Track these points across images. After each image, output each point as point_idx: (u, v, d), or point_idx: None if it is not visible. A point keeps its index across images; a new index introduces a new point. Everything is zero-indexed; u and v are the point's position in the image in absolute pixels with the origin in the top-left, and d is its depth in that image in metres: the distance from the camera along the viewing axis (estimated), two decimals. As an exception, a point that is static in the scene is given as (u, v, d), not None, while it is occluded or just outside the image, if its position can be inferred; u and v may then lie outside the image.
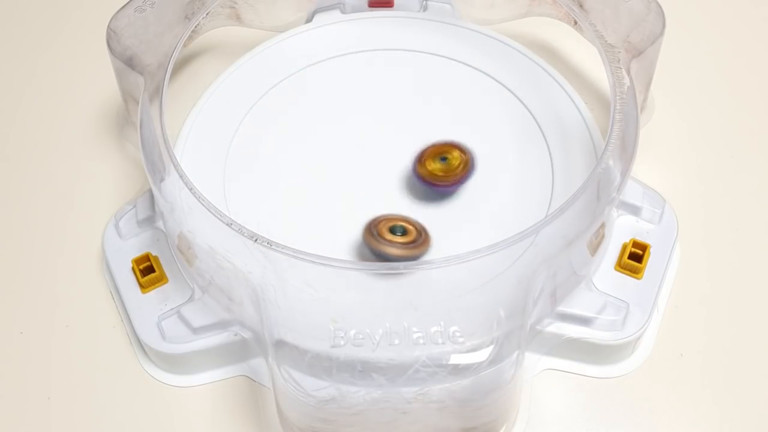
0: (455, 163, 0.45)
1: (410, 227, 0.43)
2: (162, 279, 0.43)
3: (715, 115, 0.52)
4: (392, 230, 0.42)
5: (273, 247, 0.38)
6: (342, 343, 0.38)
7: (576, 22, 0.49)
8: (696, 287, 0.45)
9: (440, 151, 0.45)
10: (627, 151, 0.41)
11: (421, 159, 0.45)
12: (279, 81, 0.50)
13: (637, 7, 0.46)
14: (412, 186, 0.45)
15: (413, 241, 0.42)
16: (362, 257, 0.43)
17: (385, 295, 0.39)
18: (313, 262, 0.38)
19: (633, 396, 0.43)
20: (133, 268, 0.44)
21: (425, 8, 0.53)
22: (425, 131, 0.47)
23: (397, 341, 0.38)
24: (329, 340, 0.38)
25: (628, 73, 0.44)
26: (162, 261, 0.44)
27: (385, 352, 0.37)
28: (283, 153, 0.47)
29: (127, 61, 0.45)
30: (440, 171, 0.45)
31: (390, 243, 0.42)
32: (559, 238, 0.40)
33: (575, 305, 0.42)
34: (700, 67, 0.54)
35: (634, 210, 0.45)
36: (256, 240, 0.38)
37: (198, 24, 0.49)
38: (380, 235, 0.42)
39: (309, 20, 0.53)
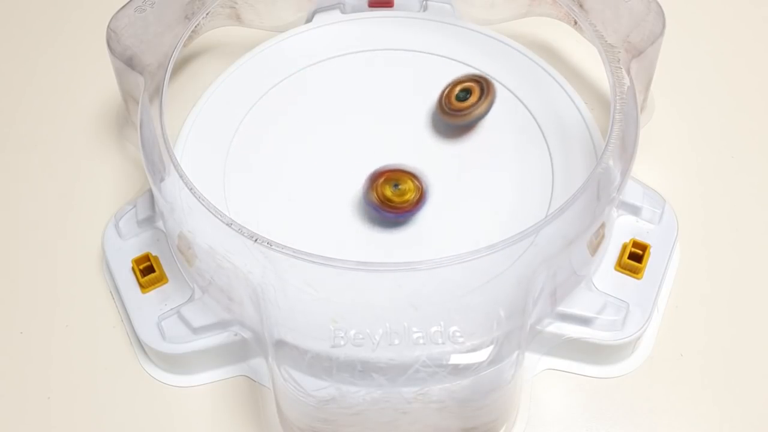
0: (408, 191, 0.44)
1: (468, 85, 0.46)
2: (162, 279, 0.43)
3: (715, 115, 0.52)
4: (459, 98, 0.46)
5: (273, 247, 0.38)
6: (342, 343, 0.38)
7: (576, 22, 0.49)
8: (696, 287, 0.45)
9: (393, 177, 0.44)
10: (627, 151, 0.41)
11: (373, 183, 0.44)
12: (279, 81, 0.50)
13: (637, 7, 0.46)
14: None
15: (482, 94, 0.46)
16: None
17: (385, 295, 0.39)
18: (313, 262, 0.38)
19: (633, 396, 0.43)
20: (133, 268, 0.44)
21: (425, 8, 0.53)
22: (425, 131, 0.47)
23: (397, 341, 0.38)
24: (329, 340, 0.38)
25: (628, 73, 0.44)
26: (162, 261, 0.44)
27: (385, 352, 0.37)
28: (283, 153, 0.47)
29: (127, 61, 0.45)
30: (394, 197, 0.44)
31: (471, 107, 0.45)
32: (559, 238, 0.40)
33: (575, 305, 0.42)
34: (700, 67, 0.54)
35: (634, 210, 0.45)
36: (256, 240, 0.38)
37: (198, 24, 0.49)
38: (458, 108, 0.45)
39: (309, 20, 0.53)
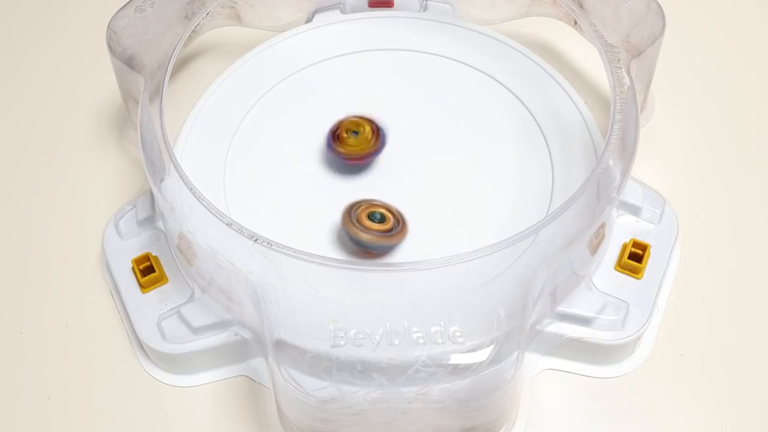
0: (367, 136, 0.45)
1: (389, 215, 0.43)
2: (162, 279, 0.43)
3: (715, 115, 0.52)
4: (371, 216, 0.43)
5: (273, 247, 0.38)
6: (342, 343, 0.38)
7: (576, 22, 0.49)
8: (696, 287, 0.45)
9: (351, 126, 0.45)
10: (627, 151, 0.41)
11: (335, 136, 0.45)
12: (279, 81, 0.50)
13: (637, 7, 0.46)
14: (412, 185, 0.45)
15: (389, 230, 0.42)
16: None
17: (385, 295, 0.39)
18: (313, 262, 0.38)
19: (633, 396, 0.43)
20: (133, 268, 0.44)
21: (425, 8, 0.53)
22: (425, 131, 0.47)
23: (397, 341, 0.38)
24: (329, 340, 0.38)
25: (628, 73, 0.44)
26: (162, 261, 0.44)
27: (385, 352, 0.37)
28: (283, 153, 0.47)
29: (127, 61, 0.45)
30: (354, 144, 0.45)
31: (366, 229, 0.42)
32: (559, 238, 0.40)
33: (575, 305, 0.42)
34: (700, 67, 0.54)
35: (634, 210, 0.45)
36: (256, 240, 0.38)
37: (198, 24, 0.49)
38: (358, 221, 0.42)
39: (309, 20, 0.53)
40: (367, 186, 0.46)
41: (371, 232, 0.42)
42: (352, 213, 0.43)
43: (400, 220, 0.43)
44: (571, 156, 0.46)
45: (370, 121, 0.45)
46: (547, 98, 0.48)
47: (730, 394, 0.43)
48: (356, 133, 0.45)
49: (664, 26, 0.45)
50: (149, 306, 0.43)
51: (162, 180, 0.42)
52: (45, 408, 0.42)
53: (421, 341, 0.38)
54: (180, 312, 0.42)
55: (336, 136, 0.45)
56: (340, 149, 0.45)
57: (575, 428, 0.42)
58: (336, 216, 0.44)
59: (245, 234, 0.38)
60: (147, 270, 0.44)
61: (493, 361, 0.37)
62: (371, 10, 0.53)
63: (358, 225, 0.42)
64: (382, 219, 0.43)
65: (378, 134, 0.45)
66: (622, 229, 0.45)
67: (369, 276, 0.38)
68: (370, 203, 0.43)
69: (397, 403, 0.38)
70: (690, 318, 0.44)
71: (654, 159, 0.49)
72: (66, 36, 0.56)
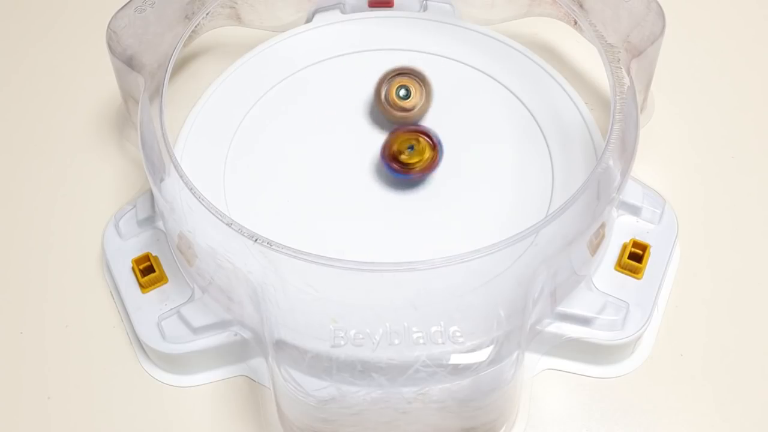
0: (424, 150, 0.45)
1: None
2: (162, 279, 0.43)
3: (715, 115, 0.52)
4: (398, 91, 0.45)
5: (273, 247, 0.38)
6: (342, 343, 0.38)
7: (576, 22, 0.49)
8: (696, 287, 0.45)
9: (408, 139, 0.45)
10: (627, 151, 0.41)
11: (390, 149, 0.45)
12: (279, 81, 0.50)
13: (637, 7, 0.46)
14: (412, 185, 0.45)
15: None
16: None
17: (385, 295, 0.39)
18: (313, 262, 0.38)
19: (633, 396, 0.43)
20: (133, 268, 0.44)
21: (425, 8, 0.53)
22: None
23: (397, 341, 0.38)
24: (329, 340, 0.38)
25: (628, 73, 0.44)
26: (162, 261, 0.44)
27: (385, 352, 0.37)
28: (283, 153, 0.47)
29: (127, 61, 0.45)
30: (409, 159, 0.44)
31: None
32: (559, 238, 0.40)
33: (575, 305, 0.42)
34: (700, 67, 0.54)
35: (634, 210, 0.45)
36: (256, 240, 0.38)
37: (198, 24, 0.49)
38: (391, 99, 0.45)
39: (309, 20, 0.53)
40: (366, 184, 0.46)
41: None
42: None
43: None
44: (571, 156, 0.46)
45: (427, 135, 0.45)
46: (547, 98, 0.48)
47: (730, 394, 0.43)
48: (412, 147, 0.44)
49: (664, 26, 0.45)
50: (149, 306, 0.43)
51: (162, 180, 0.42)
52: (45, 408, 0.42)
53: (421, 341, 0.38)
54: (180, 312, 0.42)
55: (392, 152, 0.45)
56: (397, 165, 0.44)
57: (575, 428, 0.42)
58: (336, 215, 0.45)
59: (245, 234, 0.38)
60: (147, 270, 0.44)
61: (493, 361, 0.37)
62: (371, 10, 0.53)
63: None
64: (407, 95, 0.45)
65: (435, 148, 0.45)
66: (622, 229, 0.45)
67: (369, 276, 0.38)
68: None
69: (397, 403, 0.38)
70: (690, 318, 0.44)
71: (654, 159, 0.49)
72: (66, 36, 0.56)
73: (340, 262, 0.38)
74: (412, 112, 0.46)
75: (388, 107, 0.46)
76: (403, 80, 0.46)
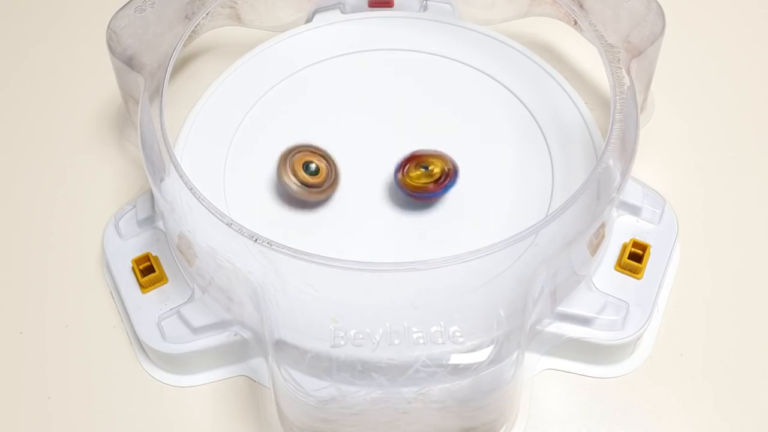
0: (437, 171, 0.44)
1: (323, 167, 0.43)
2: (162, 279, 0.43)
3: (715, 115, 0.52)
4: (305, 166, 0.43)
5: (273, 247, 0.38)
6: (342, 343, 0.38)
7: (576, 22, 0.49)
8: (696, 287, 0.45)
9: (422, 161, 0.44)
10: (627, 151, 0.41)
11: (403, 168, 0.44)
12: (279, 81, 0.50)
13: (637, 7, 0.46)
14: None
15: (319, 185, 0.43)
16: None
17: (385, 295, 0.39)
18: (313, 262, 0.38)
19: (633, 396, 0.43)
20: (133, 268, 0.44)
21: (425, 8, 0.53)
22: (425, 131, 0.47)
23: (397, 341, 0.38)
24: (329, 340, 0.38)
25: (628, 73, 0.44)
26: (162, 261, 0.44)
27: (385, 352, 0.37)
28: (283, 153, 0.47)
29: (127, 61, 0.45)
30: (422, 179, 0.44)
31: (293, 179, 0.43)
32: (559, 238, 0.40)
33: (575, 305, 0.42)
34: (700, 67, 0.54)
35: (634, 210, 0.45)
36: (256, 240, 0.38)
37: (198, 24, 0.49)
38: (292, 169, 0.43)
39: (309, 20, 0.53)
40: (367, 185, 0.46)
41: (299, 184, 0.43)
42: (288, 158, 0.43)
43: (332, 173, 0.43)
44: (571, 156, 0.46)
45: (443, 160, 0.44)
46: (547, 98, 0.48)
47: (730, 394, 0.43)
48: (426, 168, 0.44)
49: (664, 26, 0.45)
50: (149, 306, 0.43)
51: (162, 180, 0.42)
52: (45, 408, 0.42)
53: (421, 341, 0.38)
54: (180, 312, 0.42)
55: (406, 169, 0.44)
56: (406, 183, 0.44)
57: (575, 428, 0.42)
58: (335, 215, 0.45)
59: (245, 234, 0.38)
60: (147, 270, 0.44)
61: (493, 361, 0.37)
62: (371, 10, 0.53)
63: (289, 172, 0.43)
64: (316, 171, 0.43)
65: (448, 174, 0.44)
66: (622, 229, 0.45)
67: (369, 276, 0.38)
68: (308, 150, 0.44)
69: (397, 403, 0.38)
70: (690, 318, 0.44)
71: (654, 159, 0.49)
72: (66, 36, 0.56)
73: (340, 262, 0.38)
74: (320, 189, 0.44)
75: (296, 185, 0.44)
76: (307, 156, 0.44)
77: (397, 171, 0.44)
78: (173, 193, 0.41)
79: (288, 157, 0.44)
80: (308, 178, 0.43)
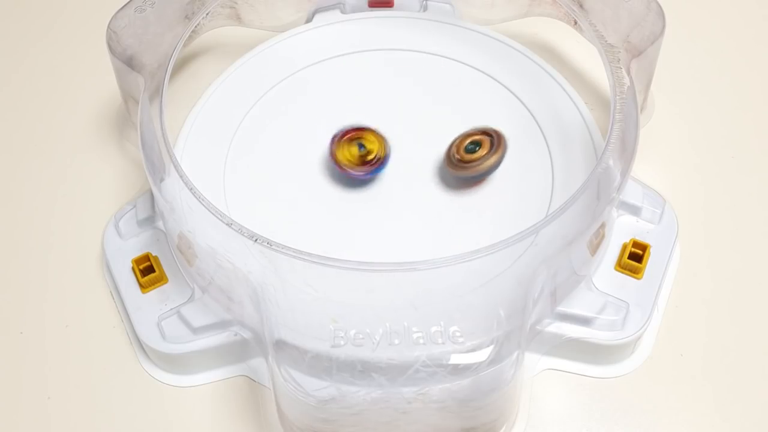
0: (372, 150, 0.45)
1: (479, 138, 0.45)
2: (162, 279, 0.43)
3: (715, 115, 0.52)
4: (468, 150, 0.44)
5: (273, 247, 0.38)
6: (342, 343, 0.38)
7: (576, 22, 0.49)
8: (696, 287, 0.45)
9: (356, 137, 0.45)
10: (627, 151, 0.41)
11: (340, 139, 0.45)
12: (279, 81, 0.50)
13: (637, 7, 0.46)
14: (411, 185, 0.45)
15: (492, 147, 0.44)
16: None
17: (385, 295, 0.39)
18: (313, 262, 0.38)
19: (633, 396, 0.43)
20: (133, 268, 0.44)
21: (425, 8, 0.53)
22: (425, 131, 0.47)
23: (397, 341, 0.38)
24: (329, 340, 0.38)
25: (628, 73, 0.44)
26: (162, 261, 0.44)
27: (385, 352, 0.37)
28: (284, 153, 0.47)
29: (127, 61, 0.45)
30: (354, 157, 0.45)
31: (480, 160, 0.44)
32: (559, 238, 0.40)
33: (575, 305, 0.42)
34: (700, 67, 0.54)
35: (634, 210, 0.45)
36: (256, 240, 0.38)
37: (198, 24, 0.49)
38: (466, 160, 0.44)
39: (309, 20, 0.53)
40: (367, 184, 0.46)
41: (486, 157, 0.44)
42: (455, 161, 0.44)
43: (486, 132, 0.45)
44: (571, 156, 0.46)
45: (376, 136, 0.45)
46: (547, 98, 0.48)
47: (730, 394, 0.43)
48: (362, 146, 0.45)
49: (664, 26, 0.45)
50: (149, 306, 0.43)
51: (162, 180, 0.42)
52: (45, 408, 0.42)
53: (421, 341, 0.38)
54: (180, 312, 0.42)
55: (337, 144, 0.45)
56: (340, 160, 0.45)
57: (575, 428, 0.42)
58: (336, 215, 0.45)
59: (245, 234, 0.38)
60: (147, 270, 0.44)
61: (493, 361, 0.37)
62: (371, 10, 0.53)
63: (473, 163, 0.44)
64: (479, 144, 0.44)
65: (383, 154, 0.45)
66: (622, 229, 0.45)
67: (369, 276, 0.38)
68: (455, 144, 0.45)
69: (397, 403, 0.38)
70: (690, 318, 0.44)
71: (654, 159, 0.49)
72: (66, 36, 0.56)
73: (340, 262, 0.38)
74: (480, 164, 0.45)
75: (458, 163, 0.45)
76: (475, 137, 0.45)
77: (332, 139, 0.45)
78: (173, 193, 0.41)
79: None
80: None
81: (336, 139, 0.45)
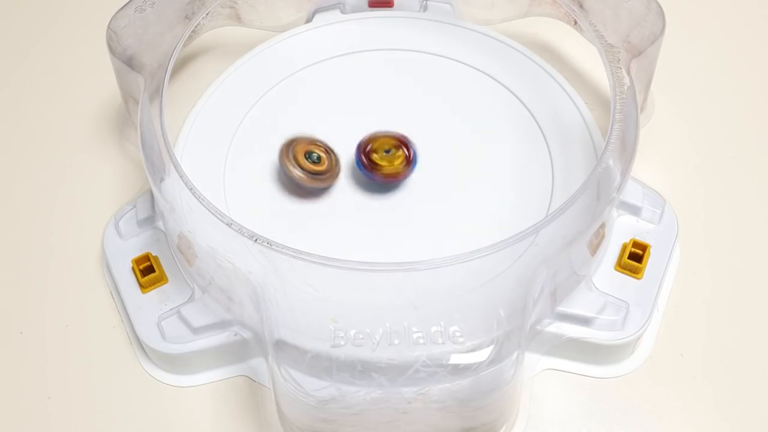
0: (397, 160, 0.45)
1: (324, 157, 0.44)
2: (162, 279, 0.43)
3: (715, 115, 0.52)
4: (308, 155, 0.44)
5: (273, 247, 0.38)
6: (342, 343, 0.38)
7: (576, 22, 0.49)
8: (696, 287, 0.45)
9: (385, 144, 0.45)
10: (627, 151, 0.41)
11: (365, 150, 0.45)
12: (279, 81, 0.50)
13: (637, 7, 0.46)
14: (411, 184, 0.45)
15: (322, 173, 0.44)
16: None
17: (385, 295, 0.39)
18: (313, 262, 0.38)
19: (633, 396, 0.43)
20: (133, 268, 0.44)
21: (425, 8, 0.53)
22: (425, 131, 0.47)
23: (397, 341, 0.38)
24: (329, 340, 0.38)
25: (628, 73, 0.44)
26: (162, 261, 0.44)
27: (385, 352, 0.37)
28: (283, 153, 0.47)
29: (127, 61, 0.45)
30: (384, 162, 0.45)
31: (296, 166, 0.43)
32: (559, 238, 0.40)
33: (575, 305, 0.42)
34: (700, 67, 0.54)
35: (634, 210, 0.45)
36: (256, 240, 0.38)
37: (198, 24, 0.49)
38: (294, 157, 0.43)
39: (309, 20, 0.53)
40: (366, 184, 0.46)
41: (303, 171, 0.43)
42: (290, 148, 0.43)
43: (335, 163, 0.44)
44: (571, 156, 0.46)
45: (403, 143, 0.45)
46: (547, 98, 0.48)
47: (730, 394, 0.43)
48: (388, 151, 0.45)
49: (664, 26, 0.45)
50: (149, 306, 0.43)
51: (162, 180, 0.42)
52: (45, 408, 0.42)
53: (421, 341, 0.38)
54: (180, 312, 0.42)
55: (368, 154, 0.45)
56: (367, 161, 0.45)
57: (575, 428, 0.42)
58: (336, 215, 0.45)
59: (245, 234, 0.38)
60: (147, 270, 0.44)
61: (493, 361, 0.37)
62: (371, 10, 0.53)
63: (292, 161, 0.43)
64: (318, 160, 0.44)
65: (408, 163, 0.45)
66: (622, 229, 0.45)
67: (369, 276, 0.38)
68: (309, 141, 0.44)
69: (397, 403, 0.38)
70: (690, 318, 0.44)
71: (654, 159, 0.49)
72: (66, 36, 0.56)
73: (340, 262, 0.38)
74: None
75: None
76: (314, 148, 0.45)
77: (359, 146, 0.45)
78: (173, 193, 0.41)
79: (290, 147, 0.44)
80: (311, 166, 0.44)
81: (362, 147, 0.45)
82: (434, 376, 0.37)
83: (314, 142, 0.45)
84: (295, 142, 0.44)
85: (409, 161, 0.45)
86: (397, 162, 0.44)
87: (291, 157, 0.44)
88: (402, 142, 0.45)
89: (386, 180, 0.45)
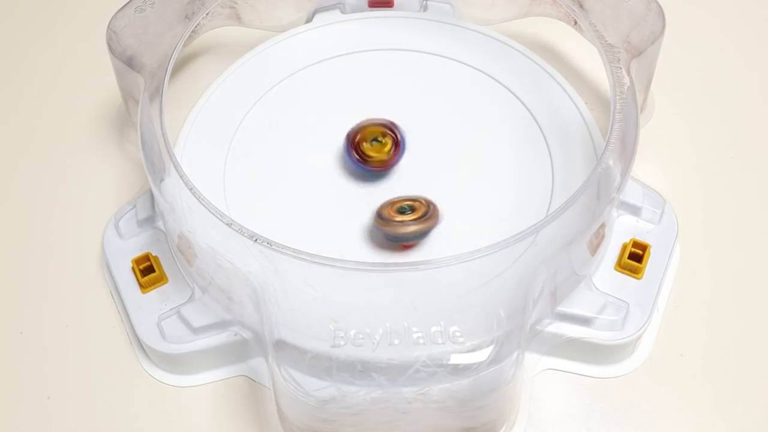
0: (386, 146, 0.45)
1: (416, 204, 0.43)
2: (162, 279, 0.43)
3: (715, 115, 0.52)
4: (400, 210, 0.43)
5: (273, 247, 0.38)
6: (342, 343, 0.38)
7: (576, 22, 0.49)
8: (696, 287, 0.45)
9: (374, 132, 0.45)
10: (627, 151, 0.42)
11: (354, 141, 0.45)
12: (279, 81, 0.50)
13: (637, 7, 0.46)
14: (411, 183, 0.45)
15: (423, 216, 0.43)
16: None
17: (385, 295, 0.39)
18: (313, 262, 0.38)
19: (633, 396, 0.43)
20: (133, 268, 0.44)
21: (425, 8, 0.53)
22: (425, 131, 0.47)
23: (397, 341, 0.38)
24: (329, 340, 0.38)
25: (628, 73, 0.44)
26: (162, 261, 0.44)
27: (385, 352, 0.37)
28: (283, 153, 0.47)
29: (127, 61, 0.45)
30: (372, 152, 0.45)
31: (402, 223, 0.42)
32: (559, 238, 0.40)
33: (575, 305, 0.42)
34: (700, 67, 0.54)
35: (634, 210, 0.45)
36: (256, 240, 0.38)
37: (198, 24, 0.49)
38: (390, 219, 0.42)
39: (309, 20, 0.53)
40: (366, 184, 0.46)
41: (408, 223, 0.42)
42: (382, 216, 0.43)
43: (429, 204, 0.43)
44: (571, 156, 0.46)
45: (391, 129, 0.45)
46: (547, 98, 0.48)
47: (730, 394, 0.43)
48: (376, 140, 0.45)
49: (664, 26, 0.45)
50: (149, 306, 0.43)
51: (162, 180, 0.42)
52: (45, 408, 0.42)
53: (421, 341, 0.38)
54: (180, 312, 0.42)
55: (356, 143, 0.45)
56: (360, 158, 0.45)
57: (575, 428, 0.42)
58: (336, 214, 0.45)
59: (245, 234, 0.38)
60: (147, 270, 0.44)
61: (493, 361, 0.37)
62: (371, 10, 0.53)
63: (395, 222, 0.43)
64: (412, 209, 0.43)
65: (398, 143, 0.45)
66: (622, 229, 0.45)
67: (369, 276, 0.38)
68: (391, 202, 0.44)
69: (397, 403, 0.38)
70: (690, 318, 0.44)
71: (654, 159, 0.49)
72: (66, 36, 0.56)
73: (340, 262, 0.38)
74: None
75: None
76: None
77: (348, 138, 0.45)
78: (173, 193, 0.41)
79: (380, 215, 0.43)
80: (410, 216, 0.43)
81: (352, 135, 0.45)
82: (434, 376, 0.37)
83: (394, 201, 0.44)
84: (382, 207, 0.44)
85: (398, 145, 0.45)
86: (386, 149, 0.45)
87: (390, 220, 0.43)
88: (388, 128, 0.45)
89: (378, 168, 0.45)
